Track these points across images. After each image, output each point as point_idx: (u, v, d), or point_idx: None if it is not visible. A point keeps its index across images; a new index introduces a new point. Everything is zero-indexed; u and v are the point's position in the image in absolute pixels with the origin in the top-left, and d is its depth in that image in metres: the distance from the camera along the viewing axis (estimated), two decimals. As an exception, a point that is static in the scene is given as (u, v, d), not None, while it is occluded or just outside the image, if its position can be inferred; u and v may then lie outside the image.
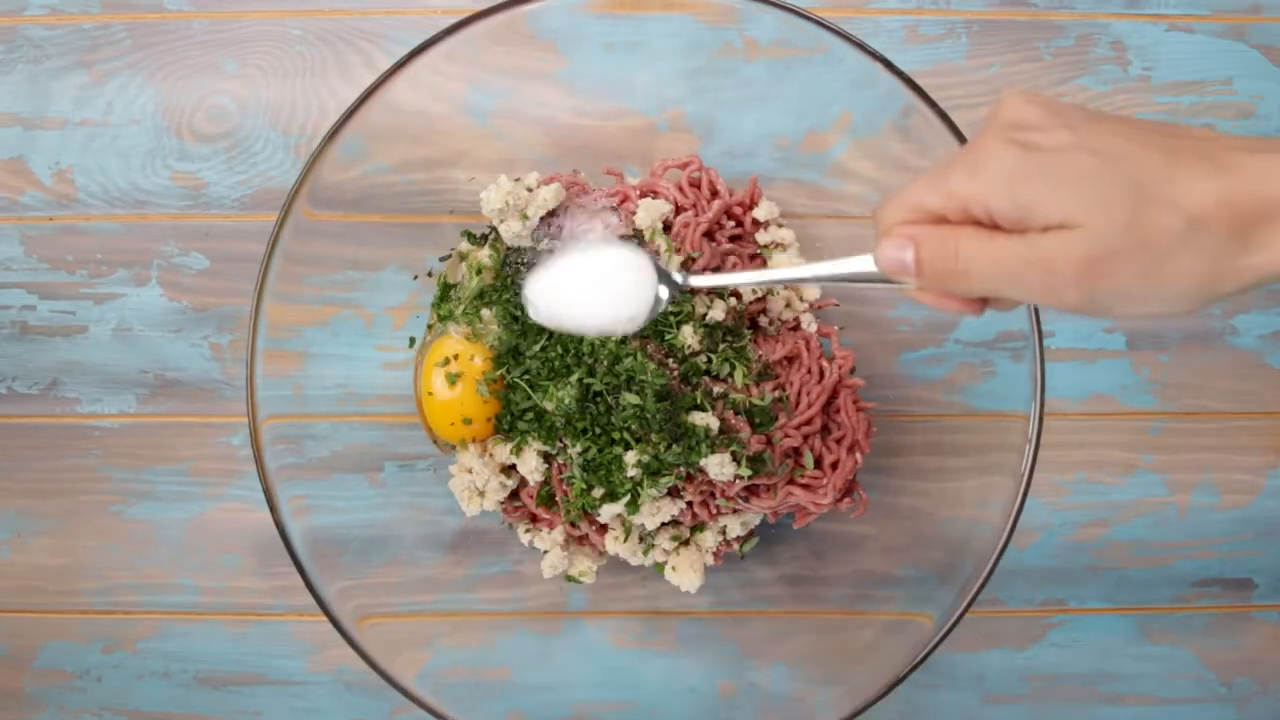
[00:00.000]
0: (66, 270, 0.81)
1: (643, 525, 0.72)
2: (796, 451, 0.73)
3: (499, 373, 0.72)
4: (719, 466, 0.68)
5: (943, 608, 0.69)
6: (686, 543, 0.75)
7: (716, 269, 0.73)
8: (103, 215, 0.81)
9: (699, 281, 0.59)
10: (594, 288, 0.59)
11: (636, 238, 0.72)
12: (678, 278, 0.59)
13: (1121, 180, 0.41)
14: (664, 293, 0.59)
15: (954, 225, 0.45)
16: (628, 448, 0.69)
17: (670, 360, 0.71)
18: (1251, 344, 0.83)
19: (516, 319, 0.72)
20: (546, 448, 0.71)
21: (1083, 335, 0.82)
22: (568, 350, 0.70)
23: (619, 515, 0.71)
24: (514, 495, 0.75)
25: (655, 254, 0.61)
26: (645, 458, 0.68)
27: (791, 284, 0.54)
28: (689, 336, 0.70)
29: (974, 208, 0.44)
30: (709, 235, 0.73)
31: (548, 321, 0.61)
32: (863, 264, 0.49)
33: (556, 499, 0.73)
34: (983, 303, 0.48)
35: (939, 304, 0.48)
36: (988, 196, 0.43)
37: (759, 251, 0.76)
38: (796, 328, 0.76)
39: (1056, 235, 0.42)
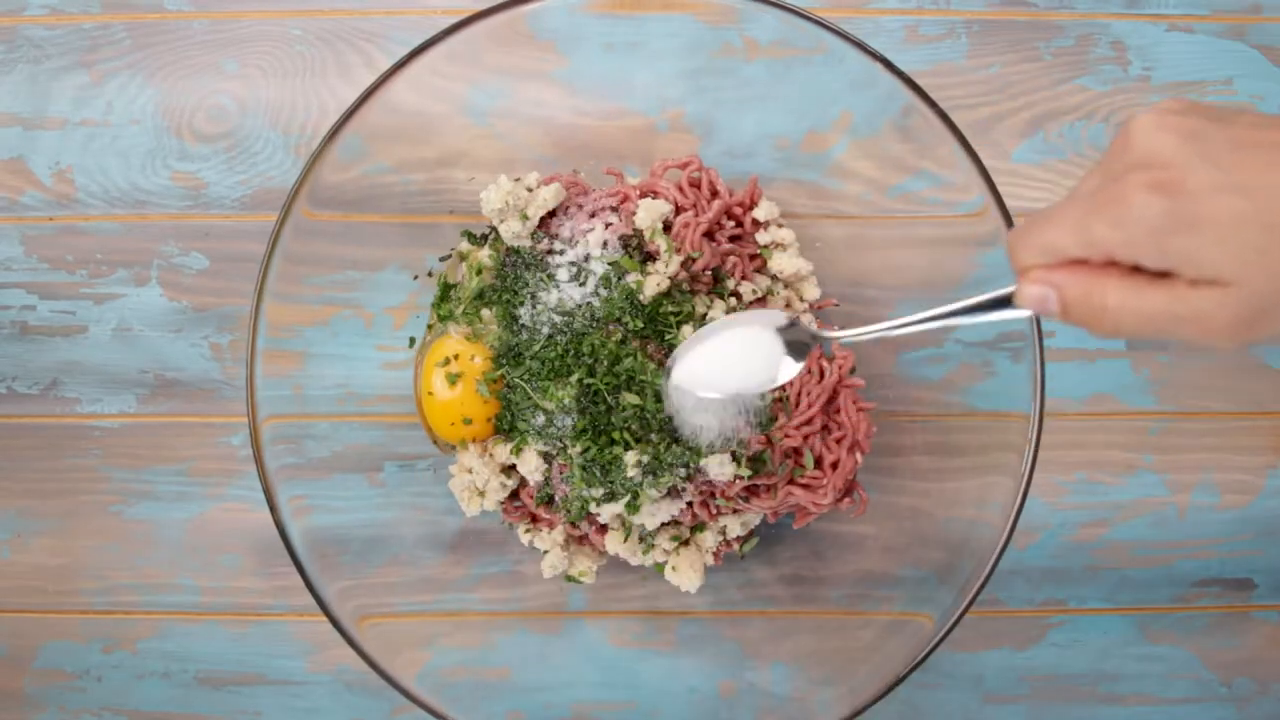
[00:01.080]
0: (66, 270, 0.81)
1: (643, 525, 0.72)
2: (796, 451, 0.73)
3: (499, 373, 0.72)
4: (719, 466, 0.68)
5: (943, 608, 0.69)
6: (686, 543, 0.75)
7: (716, 269, 0.73)
8: (103, 215, 0.81)
9: (844, 337, 0.61)
10: (730, 360, 0.64)
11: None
12: (816, 337, 0.63)
13: (1276, 228, 0.40)
14: (790, 366, 0.63)
15: (1096, 270, 0.45)
16: (628, 448, 0.69)
17: (670, 360, 0.71)
18: (1251, 344, 0.83)
19: (516, 319, 0.72)
20: (547, 448, 0.71)
21: (1083, 335, 0.82)
22: (568, 350, 0.70)
23: (619, 515, 0.71)
24: (514, 495, 0.75)
25: (794, 319, 0.65)
26: (645, 458, 0.68)
27: (932, 327, 0.56)
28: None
29: (1118, 256, 0.44)
30: (709, 235, 0.73)
31: (689, 386, 0.65)
32: (1002, 297, 0.50)
33: (556, 499, 0.73)
34: None
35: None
36: (1134, 249, 0.43)
37: (759, 252, 0.76)
38: (796, 328, 0.76)
39: (1209, 293, 0.41)
